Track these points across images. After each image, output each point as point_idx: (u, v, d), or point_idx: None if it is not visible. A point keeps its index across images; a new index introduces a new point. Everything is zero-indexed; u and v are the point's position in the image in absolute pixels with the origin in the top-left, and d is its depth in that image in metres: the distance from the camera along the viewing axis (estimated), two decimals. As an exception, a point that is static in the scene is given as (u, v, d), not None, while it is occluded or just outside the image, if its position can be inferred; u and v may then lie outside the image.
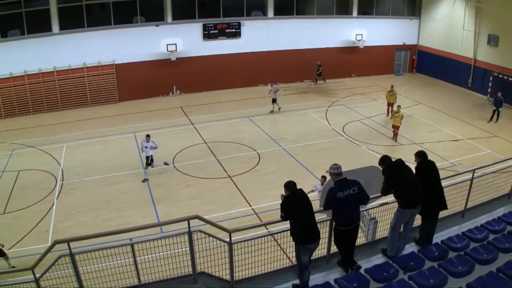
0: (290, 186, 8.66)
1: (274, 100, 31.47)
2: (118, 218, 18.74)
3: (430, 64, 42.12)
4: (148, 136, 22.71)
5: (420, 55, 43.81)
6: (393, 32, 42.62)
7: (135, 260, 8.60)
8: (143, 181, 22.44)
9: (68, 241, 8.00)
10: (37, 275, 8.05)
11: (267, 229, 12.25)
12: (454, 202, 11.37)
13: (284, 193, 8.77)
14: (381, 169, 9.64)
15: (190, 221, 8.37)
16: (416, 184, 9.54)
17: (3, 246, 15.94)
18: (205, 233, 8.55)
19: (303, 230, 8.65)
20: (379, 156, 9.93)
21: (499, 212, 11.67)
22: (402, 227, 9.82)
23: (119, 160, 24.78)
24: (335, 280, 8.70)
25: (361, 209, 9.47)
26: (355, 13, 41.18)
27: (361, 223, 9.76)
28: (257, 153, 24.88)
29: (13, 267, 15.66)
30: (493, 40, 34.62)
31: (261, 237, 9.24)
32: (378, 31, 41.66)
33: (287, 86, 38.81)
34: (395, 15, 42.50)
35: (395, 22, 42.55)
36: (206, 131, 28.45)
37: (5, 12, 32.26)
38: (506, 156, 15.86)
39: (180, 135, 28.15)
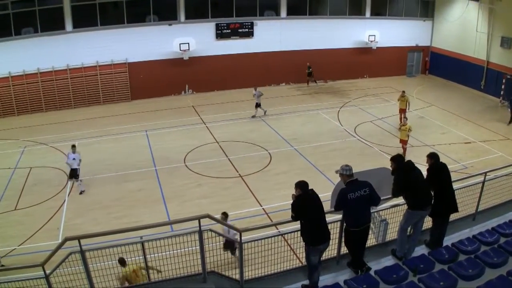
0: (301, 185, 8.65)
1: (257, 105, 30.83)
2: (129, 216, 18.84)
3: (443, 66, 41.85)
4: (74, 146, 22.19)
5: (433, 57, 43.58)
6: (406, 33, 42.41)
7: (145, 258, 8.65)
8: (81, 193, 21.70)
9: (78, 238, 8.02)
10: (47, 272, 8.08)
11: (277, 229, 12.25)
12: (465, 205, 11.31)
13: (295, 193, 8.76)
14: (391, 169, 9.62)
15: (201, 220, 8.38)
16: (425, 186, 9.52)
17: None
18: (215, 232, 8.56)
19: (313, 231, 8.65)
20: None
21: (511, 215, 11.59)
22: (412, 229, 9.81)
23: (131, 158, 24.89)
24: (345, 281, 8.68)
25: (372, 211, 9.46)
26: (368, 14, 41.06)
27: (371, 225, 9.75)
28: (269, 153, 24.88)
29: (2, 265, 15.77)
30: (506, 43, 34.38)
31: (271, 237, 9.24)
32: (391, 32, 41.48)
33: (299, 86, 38.80)
34: (408, 16, 42.31)
35: (408, 23, 42.36)
36: (218, 131, 28.50)
37: (19, 10, 32.48)
38: (518, 159, 15.80)
39: (192, 134, 28.22)
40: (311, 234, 8.66)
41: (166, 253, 8.66)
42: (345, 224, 9.12)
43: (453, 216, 10.41)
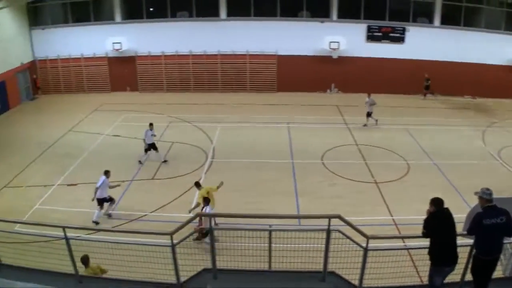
0: (437, 202, 8.37)
1: (368, 114, 29.49)
2: (259, 203, 19.22)
3: None
4: (151, 125, 24.20)
5: None
6: None
7: (270, 247, 8.77)
8: (164, 161, 24.04)
9: (210, 216, 8.35)
10: (175, 241, 8.52)
11: (404, 242, 12.00)
12: None
13: (429, 209, 8.52)
14: None
15: (331, 219, 8.38)
16: None
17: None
18: (344, 234, 8.49)
19: (442, 251, 8.35)
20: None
21: None
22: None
23: (270, 148, 25.47)
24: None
25: (504, 241, 8.97)
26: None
27: (501, 256, 9.25)
28: (407, 163, 24.14)
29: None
30: None
31: (397, 249, 9.07)
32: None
33: (445, 99, 37.13)
34: None
35: None
36: (358, 133, 28.19)
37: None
38: None
39: (332, 133, 28.20)
40: (439, 254, 8.36)
41: (290, 245, 8.78)
42: (474, 251, 8.73)
43: None
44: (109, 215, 19.16)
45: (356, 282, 8.98)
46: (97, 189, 18.33)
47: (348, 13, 35.88)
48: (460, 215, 9.68)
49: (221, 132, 27.91)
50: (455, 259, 8.45)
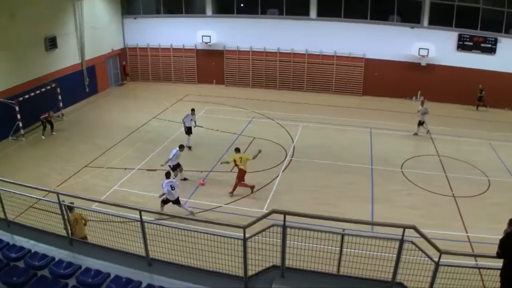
0: (514, 223, 8.23)
1: (420, 123, 28.36)
2: (333, 205, 19.26)
3: None
4: (193, 110, 26.43)
5: None
6: None
7: (341, 251, 8.83)
8: (189, 147, 25.73)
9: (285, 213, 8.46)
10: (247, 235, 8.71)
11: (476, 260, 11.77)
12: None
13: (506, 229, 8.33)
14: None
15: (405, 229, 8.27)
16: None
17: None
18: (417, 246, 8.35)
19: (514, 274, 8.18)
20: None
21: None
22: None
23: (349, 151, 25.32)
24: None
25: None
26: None
27: None
28: (488, 179, 23.24)
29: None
30: None
31: (469, 267, 8.92)
32: None
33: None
34: None
35: None
36: (441, 144, 27.29)
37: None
38: None
39: (415, 142, 27.65)
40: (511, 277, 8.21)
41: (360, 251, 8.80)
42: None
43: None
44: (185, 179, 22.04)
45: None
46: (169, 160, 21.03)
47: (439, 20, 34.81)
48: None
49: (303, 132, 28.04)
50: (528, 283, 8.24)
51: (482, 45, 34.41)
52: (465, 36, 34.41)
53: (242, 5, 37.66)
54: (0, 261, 9.26)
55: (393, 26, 34.91)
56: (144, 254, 9.71)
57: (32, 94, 29.04)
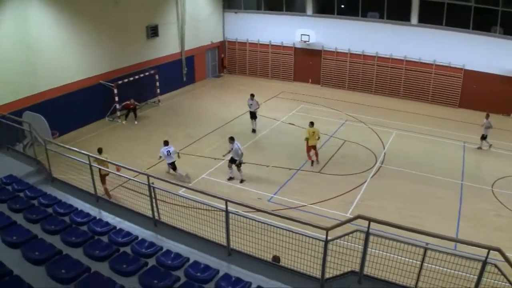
0: None
1: (483, 137, 26.73)
2: (418, 218, 18.73)
3: None
4: (252, 95, 27.62)
5: None
6: None
7: (421, 265, 8.61)
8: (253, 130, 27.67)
9: (370, 220, 8.35)
10: (329, 238, 8.62)
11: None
12: None
13: None
14: None
15: (490, 251, 7.92)
16: None
17: None
18: (499, 270, 8.04)
19: None
20: None
21: None
22: None
23: (440, 164, 24.40)
24: None
25: None
26: None
27: None
28: None
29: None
30: None
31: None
32: None
33: None
34: None
35: None
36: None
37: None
38: None
39: (509, 161, 25.91)
40: None
41: (440, 267, 8.55)
42: None
43: None
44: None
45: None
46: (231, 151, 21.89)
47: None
48: None
49: (395, 139, 27.47)
50: None
51: None
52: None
53: (342, 6, 37.30)
54: (85, 234, 9.68)
55: (495, 38, 33.34)
56: (225, 244, 9.87)
57: (131, 78, 30.40)
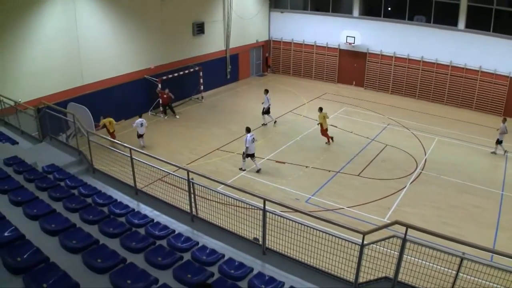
0: None
1: (498, 141, 26.23)
2: (456, 226, 18.51)
3: None
4: (267, 91, 28.92)
5: None
6: None
7: (456, 274, 8.53)
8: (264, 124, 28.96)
9: (408, 226, 8.32)
10: (365, 242, 8.67)
11: None
12: None
13: None
14: None
15: None
16: None
17: None
18: None
19: None
20: None
21: None
22: None
23: (481, 173, 24.00)
24: None
25: None
26: None
27: None
28: None
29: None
30: None
31: None
32: None
33: None
34: None
35: None
36: None
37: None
38: None
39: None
40: None
41: (474, 278, 8.45)
42: None
43: None
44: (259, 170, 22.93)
45: None
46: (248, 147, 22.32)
47: None
48: None
49: (437, 145, 27.11)
50: None
51: None
52: None
53: (389, 8, 36.99)
54: (123, 225, 9.91)
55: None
56: (260, 242, 9.99)
57: (176, 74, 30.81)
